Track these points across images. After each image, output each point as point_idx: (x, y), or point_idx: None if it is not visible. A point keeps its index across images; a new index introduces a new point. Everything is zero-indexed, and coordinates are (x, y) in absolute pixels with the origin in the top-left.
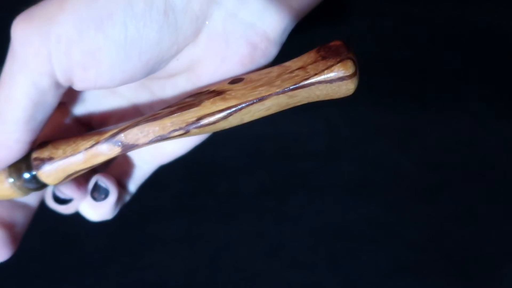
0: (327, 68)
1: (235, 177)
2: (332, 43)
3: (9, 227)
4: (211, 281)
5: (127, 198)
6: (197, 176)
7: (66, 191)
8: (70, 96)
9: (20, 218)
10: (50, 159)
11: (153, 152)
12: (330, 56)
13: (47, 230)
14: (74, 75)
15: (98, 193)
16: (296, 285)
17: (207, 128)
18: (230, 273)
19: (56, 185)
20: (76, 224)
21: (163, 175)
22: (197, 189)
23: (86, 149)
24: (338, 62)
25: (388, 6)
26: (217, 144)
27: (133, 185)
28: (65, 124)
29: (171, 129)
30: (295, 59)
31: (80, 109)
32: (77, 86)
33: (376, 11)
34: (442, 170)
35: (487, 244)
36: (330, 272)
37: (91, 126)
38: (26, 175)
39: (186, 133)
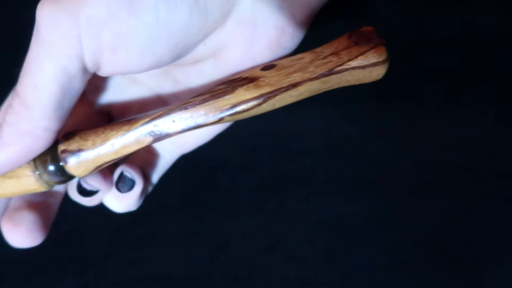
0: (361, 54)
1: (236, 173)
2: (363, 29)
3: (42, 211)
4: (212, 275)
5: (150, 189)
6: (198, 172)
7: (93, 183)
8: (90, 84)
9: (51, 204)
10: (80, 150)
11: (175, 141)
12: (363, 42)
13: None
14: (103, 58)
15: (124, 184)
16: (295, 279)
17: (240, 115)
18: (230, 267)
19: (82, 177)
20: (78, 219)
21: (166, 172)
22: (198, 185)
23: (117, 139)
24: (371, 48)
25: (388, 6)
26: (218, 141)
27: (155, 176)
28: (85, 113)
29: (205, 117)
30: (326, 45)
31: (100, 98)
32: (103, 71)
33: (377, 11)
34: (439, 167)
35: (482, 240)
36: (328, 267)
37: (111, 116)
38: (53, 168)
39: (219, 121)
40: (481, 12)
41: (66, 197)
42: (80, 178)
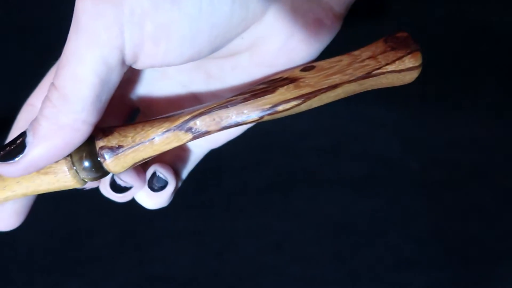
0: (398, 59)
1: (241, 172)
2: (399, 34)
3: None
4: (218, 275)
5: (179, 184)
6: (204, 171)
7: (127, 179)
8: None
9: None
10: (119, 147)
11: (207, 136)
12: (399, 47)
13: (56, 226)
14: (143, 50)
15: (156, 183)
16: (301, 278)
17: (279, 115)
18: (237, 266)
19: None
20: (85, 219)
21: None
22: (204, 185)
23: (157, 136)
24: (408, 54)
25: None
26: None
27: (185, 171)
28: (114, 107)
29: (246, 115)
30: (363, 48)
31: (129, 91)
32: (141, 63)
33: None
34: (446, 166)
35: (490, 240)
36: (334, 266)
37: (138, 109)
38: (91, 164)
39: (259, 119)
40: (491, 11)
41: (73, 198)
42: (114, 175)
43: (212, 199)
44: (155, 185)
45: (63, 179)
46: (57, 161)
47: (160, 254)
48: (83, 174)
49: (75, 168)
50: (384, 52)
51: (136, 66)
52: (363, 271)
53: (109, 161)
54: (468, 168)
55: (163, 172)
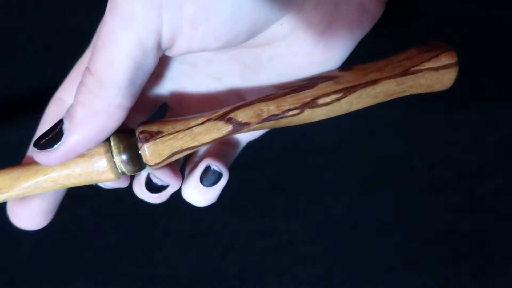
0: (434, 57)
1: (245, 173)
2: (431, 41)
3: (48, 197)
4: (222, 275)
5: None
6: None
7: (163, 177)
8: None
9: (55, 193)
10: (159, 132)
11: None
12: (433, 49)
13: (60, 228)
14: (181, 33)
15: (209, 178)
16: (304, 279)
17: (319, 110)
18: (239, 267)
19: (152, 170)
20: (89, 221)
21: None
22: None
23: (197, 125)
24: (443, 52)
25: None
26: None
27: (228, 165)
28: (143, 104)
29: (286, 108)
30: (398, 54)
31: (158, 87)
32: (177, 48)
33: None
34: (451, 166)
35: (496, 239)
36: (339, 267)
37: (168, 106)
38: (128, 153)
39: (299, 114)
40: (493, 11)
41: (76, 201)
42: (149, 173)
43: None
44: (208, 179)
45: (98, 163)
46: (94, 147)
47: (164, 254)
48: (120, 162)
49: (112, 156)
50: (419, 54)
51: (171, 52)
52: (367, 271)
53: (146, 147)
54: (474, 167)
55: (217, 165)
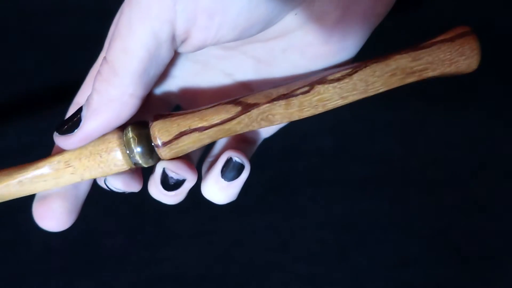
0: (448, 31)
1: None
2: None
3: (70, 198)
4: (225, 274)
5: None
6: None
7: (178, 170)
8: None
9: (78, 194)
10: (169, 114)
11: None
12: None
13: (68, 228)
14: (196, 24)
15: (230, 171)
16: (306, 277)
17: (331, 88)
18: (243, 265)
19: (166, 164)
20: (95, 220)
21: None
22: None
23: (206, 108)
24: (456, 28)
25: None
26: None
27: None
28: (154, 105)
29: (296, 87)
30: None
31: (169, 89)
32: (192, 41)
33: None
34: (448, 166)
35: (493, 238)
36: (339, 265)
37: (177, 105)
38: (141, 142)
39: (309, 91)
40: (493, 11)
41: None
42: (164, 168)
43: None
44: (230, 172)
45: (109, 144)
46: (109, 133)
47: (169, 253)
48: (132, 150)
49: (125, 143)
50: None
51: (186, 47)
52: (366, 269)
53: (156, 124)
54: (470, 167)
55: (239, 157)
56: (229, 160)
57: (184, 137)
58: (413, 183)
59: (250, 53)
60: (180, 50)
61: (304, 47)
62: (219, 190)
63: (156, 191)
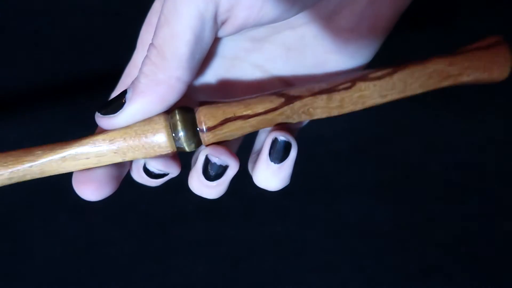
0: (480, 40)
1: None
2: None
3: (113, 167)
4: (236, 284)
5: None
6: None
7: (222, 156)
8: None
9: (121, 164)
10: (214, 102)
11: None
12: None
13: (73, 237)
14: (240, 2)
15: (279, 151)
16: (320, 287)
17: (371, 85)
18: (254, 275)
19: (209, 150)
20: (101, 230)
21: (187, 179)
22: None
23: (250, 98)
24: (488, 36)
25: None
26: (239, 147)
27: None
28: (190, 101)
29: (338, 82)
30: None
31: (199, 86)
32: (233, 20)
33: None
34: (468, 169)
35: None
36: (354, 274)
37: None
38: (186, 126)
39: (351, 87)
40: (497, 11)
41: (90, 209)
42: (207, 154)
43: (229, 207)
44: (279, 152)
45: (157, 127)
46: (155, 116)
47: (176, 264)
48: (177, 132)
49: (170, 125)
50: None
51: (226, 29)
52: (383, 279)
53: (202, 109)
54: (491, 171)
55: (284, 135)
56: (274, 141)
57: (229, 124)
58: (433, 188)
59: (280, 42)
60: (220, 33)
61: (336, 31)
62: (272, 175)
63: (198, 183)
